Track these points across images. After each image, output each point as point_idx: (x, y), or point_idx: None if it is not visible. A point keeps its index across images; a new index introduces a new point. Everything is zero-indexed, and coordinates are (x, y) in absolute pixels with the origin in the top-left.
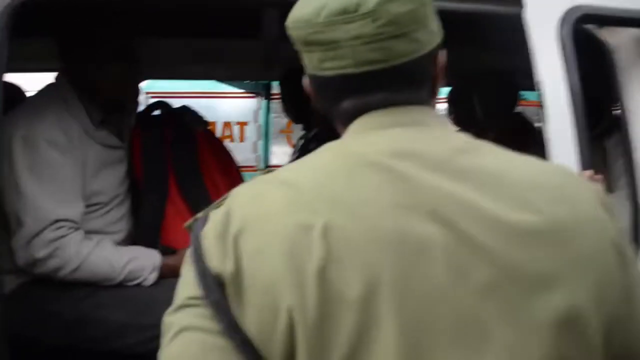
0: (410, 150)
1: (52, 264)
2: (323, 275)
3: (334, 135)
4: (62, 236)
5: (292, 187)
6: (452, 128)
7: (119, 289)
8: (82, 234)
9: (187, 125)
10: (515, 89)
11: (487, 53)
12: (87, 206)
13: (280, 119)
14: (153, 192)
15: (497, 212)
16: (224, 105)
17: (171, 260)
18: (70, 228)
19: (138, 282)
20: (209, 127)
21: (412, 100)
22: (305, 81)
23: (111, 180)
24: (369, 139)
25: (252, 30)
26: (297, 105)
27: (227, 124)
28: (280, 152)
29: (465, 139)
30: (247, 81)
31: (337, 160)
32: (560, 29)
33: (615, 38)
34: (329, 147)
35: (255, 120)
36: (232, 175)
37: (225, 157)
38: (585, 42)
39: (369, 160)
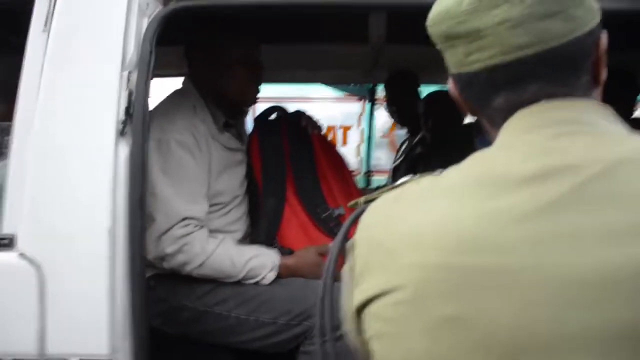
0: (561, 165)
1: (180, 259)
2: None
3: (440, 139)
4: (190, 233)
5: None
6: (617, 126)
7: (239, 286)
8: (207, 232)
9: (303, 129)
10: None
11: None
12: (210, 206)
13: (383, 123)
14: (272, 194)
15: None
16: (327, 109)
17: (289, 260)
18: (196, 226)
19: (257, 280)
20: (323, 132)
21: (571, 91)
22: (450, 85)
23: (232, 181)
24: (517, 151)
25: (358, 33)
26: (403, 108)
27: (330, 128)
28: (383, 156)
29: (633, 144)
30: (352, 84)
31: (463, 188)
32: None
33: None
34: (472, 163)
35: (359, 124)
36: (346, 179)
37: (339, 161)
38: None
39: (512, 186)
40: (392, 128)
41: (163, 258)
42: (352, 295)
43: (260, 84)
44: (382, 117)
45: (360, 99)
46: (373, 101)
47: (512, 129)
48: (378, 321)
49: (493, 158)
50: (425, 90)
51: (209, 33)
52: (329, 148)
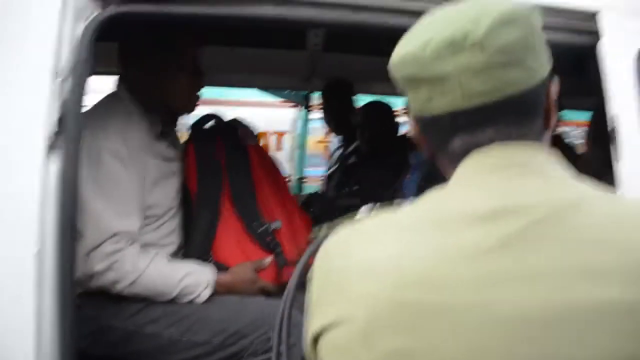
0: (512, 206)
1: (109, 277)
2: None
3: (376, 151)
4: (120, 249)
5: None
6: (563, 170)
7: (172, 305)
8: (139, 248)
9: (240, 139)
10: None
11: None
12: (143, 218)
13: (317, 130)
14: (206, 207)
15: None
16: (262, 114)
17: (225, 277)
18: (128, 241)
19: (192, 298)
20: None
21: (525, 134)
22: (411, 125)
23: (166, 193)
24: (471, 191)
25: (296, 40)
26: (338, 117)
27: (264, 133)
28: (316, 163)
29: (578, 188)
30: (287, 91)
31: (422, 224)
32: (635, 63)
33: None
34: (429, 200)
35: (293, 130)
36: (282, 192)
37: (276, 173)
38: None
39: (465, 225)
40: (326, 135)
41: (91, 276)
42: (310, 324)
43: (200, 91)
44: (317, 124)
45: (295, 106)
46: (308, 108)
47: (467, 169)
48: (331, 351)
49: (448, 196)
50: (361, 100)
51: (149, 38)
52: (266, 159)
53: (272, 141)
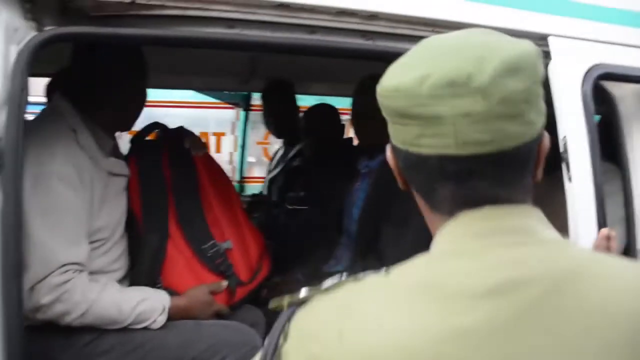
0: (515, 279)
1: (58, 309)
2: None
3: (321, 155)
4: (69, 280)
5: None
6: (551, 230)
7: (126, 333)
8: (87, 276)
9: (187, 151)
10: None
11: None
12: (90, 243)
13: (257, 131)
14: (153, 229)
15: None
16: (201, 115)
17: (180, 301)
18: (76, 271)
19: (147, 324)
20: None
21: (512, 195)
22: (389, 153)
23: (114, 213)
24: (470, 261)
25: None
26: (279, 119)
27: (204, 134)
28: (257, 164)
29: (575, 253)
30: (226, 92)
31: (421, 297)
32: (582, 85)
33: (619, 90)
34: (423, 270)
35: (233, 131)
36: (232, 207)
37: (226, 186)
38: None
39: (471, 302)
40: (266, 136)
41: (37, 309)
42: None
43: (141, 110)
44: (257, 125)
45: (234, 106)
46: (248, 109)
47: (460, 234)
48: None
49: (445, 267)
50: (302, 100)
51: (99, 58)
52: (215, 172)
53: (211, 142)
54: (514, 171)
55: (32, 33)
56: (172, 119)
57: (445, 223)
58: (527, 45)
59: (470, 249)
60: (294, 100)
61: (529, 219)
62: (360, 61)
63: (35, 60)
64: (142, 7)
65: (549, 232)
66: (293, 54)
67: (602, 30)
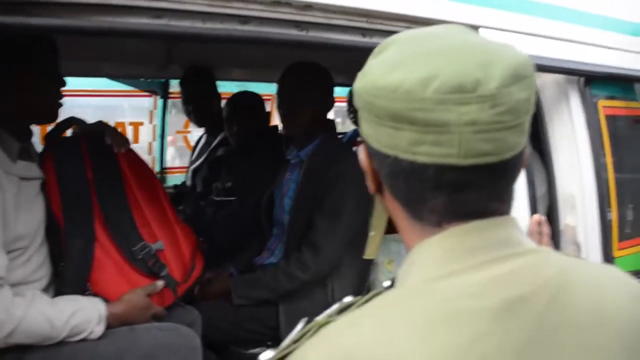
0: (518, 295)
1: None
2: None
3: (246, 144)
4: None
5: None
6: (527, 237)
7: (54, 346)
8: (10, 291)
9: (108, 147)
10: None
11: None
12: (7, 254)
13: (177, 119)
14: (77, 233)
15: None
16: (116, 104)
17: (116, 307)
18: None
19: (83, 336)
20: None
21: (502, 207)
22: (362, 154)
23: (32, 220)
24: (465, 279)
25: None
26: (199, 107)
27: (120, 124)
28: (176, 154)
29: (558, 260)
30: (142, 79)
31: (440, 325)
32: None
33: (539, 80)
34: (412, 294)
35: (151, 120)
36: (160, 205)
37: (152, 183)
38: None
39: (475, 325)
40: (186, 124)
41: None
42: None
43: (61, 97)
44: (176, 113)
45: (151, 94)
46: (166, 97)
47: (452, 248)
48: None
49: (451, 287)
50: (222, 87)
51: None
52: (139, 168)
53: (128, 132)
54: (507, 182)
55: None
56: (83, 109)
57: (429, 235)
58: (522, 52)
59: (469, 265)
60: (214, 87)
61: (514, 229)
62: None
63: None
64: None
65: (528, 240)
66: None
67: (528, 23)
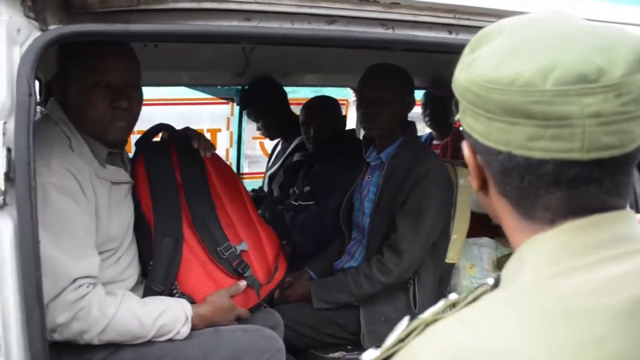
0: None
1: (76, 327)
2: None
3: (324, 148)
4: (84, 295)
5: None
6: None
7: (142, 346)
8: (103, 290)
9: (195, 151)
10: None
11: None
12: (99, 254)
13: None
14: (166, 232)
15: None
16: (195, 112)
17: (202, 309)
18: (90, 285)
19: (171, 336)
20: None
21: (620, 202)
22: (468, 150)
23: (122, 222)
24: (585, 277)
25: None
26: (266, 124)
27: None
28: (254, 159)
29: None
30: (219, 87)
31: (561, 325)
32: None
33: None
34: (528, 291)
35: (228, 127)
36: (244, 207)
37: (236, 186)
38: None
39: (602, 325)
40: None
41: (54, 330)
42: None
43: (127, 116)
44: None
45: (228, 101)
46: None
47: (567, 245)
48: None
49: (570, 285)
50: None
51: (68, 55)
52: (224, 172)
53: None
54: (627, 175)
55: (36, 33)
56: (163, 117)
57: (539, 231)
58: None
59: (588, 263)
60: (276, 99)
61: (633, 223)
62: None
63: (41, 63)
64: (151, 0)
65: None
66: (313, 46)
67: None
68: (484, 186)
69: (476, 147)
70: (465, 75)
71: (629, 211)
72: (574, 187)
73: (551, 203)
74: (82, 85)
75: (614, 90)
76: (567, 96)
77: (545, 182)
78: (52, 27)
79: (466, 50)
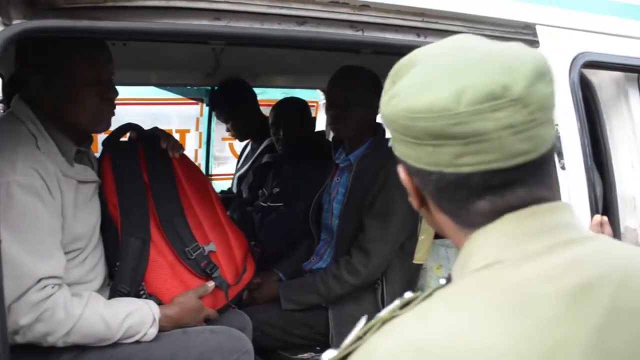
0: (586, 280)
1: (39, 329)
2: None
3: (293, 150)
4: (49, 296)
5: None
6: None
7: (108, 349)
8: (68, 291)
9: (163, 151)
10: None
11: None
12: (65, 254)
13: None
14: (133, 232)
15: None
16: (164, 112)
17: (170, 310)
18: (55, 286)
19: (137, 338)
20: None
21: (552, 195)
22: (404, 174)
23: (88, 222)
24: (533, 265)
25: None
26: (235, 126)
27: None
28: (223, 160)
29: (619, 250)
30: (189, 87)
31: (514, 312)
32: (570, 73)
33: (597, 78)
34: (478, 282)
35: (197, 127)
36: (212, 207)
37: (204, 187)
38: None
39: (551, 310)
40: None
41: (16, 332)
42: None
43: (114, 107)
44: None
45: (197, 102)
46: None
47: (509, 234)
48: None
49: (520, 274)
50: (266, 93)
51: (52, 52)
52: (193, 173)
53: None
54: (549, 173)
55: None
56: (131, 117)
57: (479, 228)
58: (536, 50)
59: (534, 251)
60: (246, 102)
61: (569, 214)
62: (326, 52)
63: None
64: None
65: (585, 226)
66: (283, 47)
67: (585, 20)
68: (423, 204)
69: (411, 171)
70: (390, 108)
71: (566, 203)
72: (503, 190)
73: (485, 208)
74: (71, 82)
75: (519, 102)
76: (481, 114)
77: (476, 192)
78: (15, 22)
79: (387, 83)
